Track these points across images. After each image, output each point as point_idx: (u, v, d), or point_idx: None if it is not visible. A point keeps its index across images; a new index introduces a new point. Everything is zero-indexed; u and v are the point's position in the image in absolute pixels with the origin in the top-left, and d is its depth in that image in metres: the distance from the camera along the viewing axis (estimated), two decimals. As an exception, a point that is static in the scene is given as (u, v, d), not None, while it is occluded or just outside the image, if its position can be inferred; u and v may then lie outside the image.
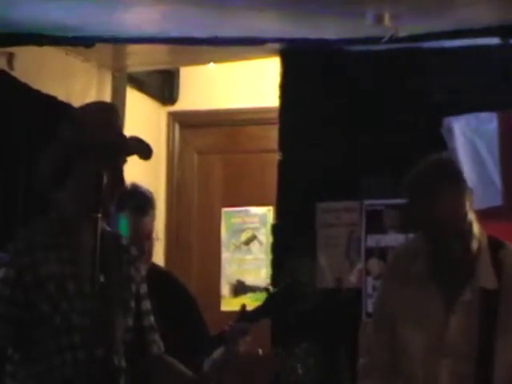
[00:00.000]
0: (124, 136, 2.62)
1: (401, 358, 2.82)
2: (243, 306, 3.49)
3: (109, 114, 2.63)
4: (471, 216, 2.77)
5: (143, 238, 3.35)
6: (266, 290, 3.49)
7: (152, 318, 2.72)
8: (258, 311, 3.51)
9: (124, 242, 2.71)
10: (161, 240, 5.68)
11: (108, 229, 2.70)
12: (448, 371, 2.74)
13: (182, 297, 3.58)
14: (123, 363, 2.57)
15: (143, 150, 2.61)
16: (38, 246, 2.53)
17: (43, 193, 2.61)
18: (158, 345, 2.73)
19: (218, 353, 3.29)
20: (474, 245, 2.78)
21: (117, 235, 2.76)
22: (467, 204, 2.76)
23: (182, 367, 2.75)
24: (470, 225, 2.76)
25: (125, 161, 2.61)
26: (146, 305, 2.70)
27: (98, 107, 2.69)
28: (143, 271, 2.74)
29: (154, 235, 3.47)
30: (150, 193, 3.55)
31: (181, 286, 3.66)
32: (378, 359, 2.88)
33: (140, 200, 3.44)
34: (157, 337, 2.73)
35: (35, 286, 2.48)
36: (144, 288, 2.71)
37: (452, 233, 2.74)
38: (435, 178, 2.77)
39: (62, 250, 2.54)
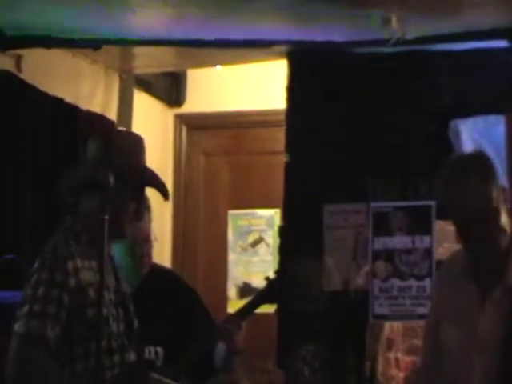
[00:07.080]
0: (149, 169, 2.72)
1: (443, 360, 2.90)
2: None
3: (139, 145, 2.72)
4: (501, 209, 2.79)
5: (141, 242, 3.41)
6: (266, 278, 3.56)
7: None
8: (258, 298, 3.58)
9: None
10: (168, 242, 5.71)
11: None
12: (480, 368, 2.78)
13: (184, 294, 3.59)
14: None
15: (163, 189, 2.73)
16: (76, 253, 2.61)
17: (64, 202, 2.68)
18: None
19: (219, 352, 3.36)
20: (503, 238, 2.80)
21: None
22: (494, 196, 2.78)
23: None
24: (496, 216, 2.78)
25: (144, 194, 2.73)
26: None
27: (130, 136, 2.79)
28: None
29: (152, 237, 3.50)
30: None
31: (184, 284, 3.68)
32: (423, 363, 3.02)
33: None
34: None
35: (78, 291, 2.56)
36: None
37: (476, 221, 2.77)
38: (463, 168, 2.85)
39: (92, 260, 2.61)
